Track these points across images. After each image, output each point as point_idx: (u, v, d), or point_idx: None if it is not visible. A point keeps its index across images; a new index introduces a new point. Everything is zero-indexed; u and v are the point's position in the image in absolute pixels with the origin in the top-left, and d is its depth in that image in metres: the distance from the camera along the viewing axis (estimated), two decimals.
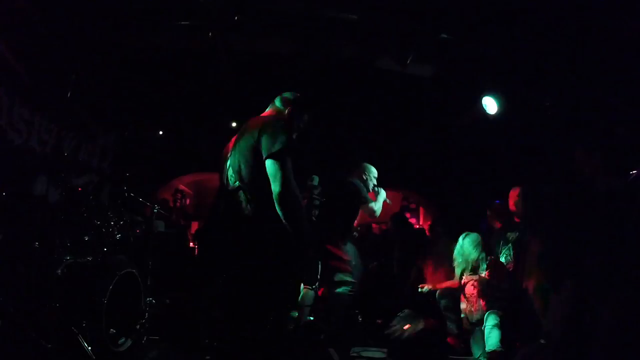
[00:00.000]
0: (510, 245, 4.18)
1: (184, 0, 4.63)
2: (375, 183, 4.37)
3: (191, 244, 7.64)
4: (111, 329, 3.55)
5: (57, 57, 5.02)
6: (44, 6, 4.48)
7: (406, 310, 4.59)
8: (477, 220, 5.46)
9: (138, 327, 4.01)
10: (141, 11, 4.71)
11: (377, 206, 4.21)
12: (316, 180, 4.76)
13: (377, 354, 4.36)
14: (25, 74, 4.77)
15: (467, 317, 4.41)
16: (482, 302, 4.25)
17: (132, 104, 6.94)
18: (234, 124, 7.37)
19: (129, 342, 3.82)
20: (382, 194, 4.31)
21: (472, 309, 4.32)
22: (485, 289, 4.20)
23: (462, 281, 4.50)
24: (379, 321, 5.43)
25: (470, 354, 4.37)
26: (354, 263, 5.97)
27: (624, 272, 2.50)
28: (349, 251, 6.35)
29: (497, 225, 4.77)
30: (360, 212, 4.23)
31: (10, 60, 4.53)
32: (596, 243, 2.63)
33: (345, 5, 4.55)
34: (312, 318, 4.61)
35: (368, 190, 4.28)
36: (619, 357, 2.46)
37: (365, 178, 4.31)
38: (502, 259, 4.20)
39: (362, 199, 4.12)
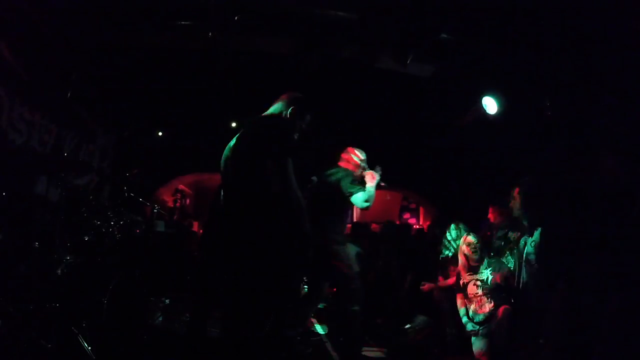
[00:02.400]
0: (515, 249, 4.14)
1: (184, 0, 4.63)
2: (365, 165, 4.02)
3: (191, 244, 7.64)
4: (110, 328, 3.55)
5: (57, 57, 5.02)
6: (44, 6, 4.49)
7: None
8: (478, 220, 5.46)
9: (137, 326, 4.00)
10: (141, 11, 4.71)
11: (369, 195, 3.72)
12: (315, 181, 4.72)
13: (377, 354, 4.35)
14: (25, 74, 4.78)
15: (469, 317, 4.38)
16: (486, 301, 4.23)
17: (132, 104, 6.94)
18: (234, 124, 7.38)
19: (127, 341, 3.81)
20: (377, 177, 3.88)
21: (477, 309, 4.31)
22: (494, 290, 4.18)
23: (461, 281, 4.49)
24: (379, 321, 5.44)
25: (468, 354, 4.36)
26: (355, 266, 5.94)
27: (624, 272, 2.50)
28: (351, 252, 6.34)
29: (497, 222, 4.80)
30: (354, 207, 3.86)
31: (10, 60, 4.53)
32: (595, 243, 2.63)
33: (345, 5, 4.55)
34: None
35: (356, 174, 3.91)
36: (619, 358, 2.47)
37: (357, 162, 3.98)
38: (511, 265, 4.19)
39: (344, 187, 3.71)
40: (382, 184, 3.96)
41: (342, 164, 4.08)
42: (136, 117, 7.40)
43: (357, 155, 4.09)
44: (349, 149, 4.15)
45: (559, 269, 2.89)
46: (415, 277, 5.53)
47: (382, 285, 6.08)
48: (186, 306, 5.13)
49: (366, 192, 3.72)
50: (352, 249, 6.33)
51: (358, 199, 3.69)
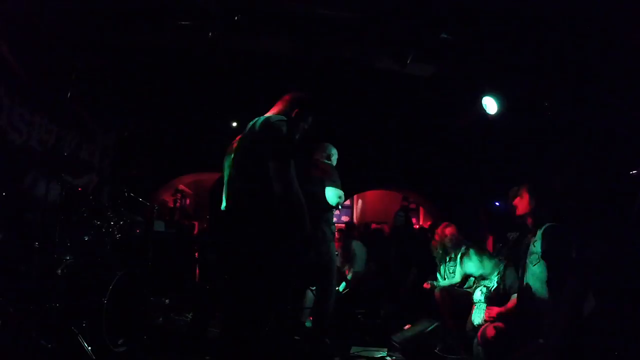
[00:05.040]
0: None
1: (184, 0, 4.63)
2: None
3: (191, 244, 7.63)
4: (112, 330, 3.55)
5: (57, 57, 5.01)
6: (44, 6, 4.48)
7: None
8: (477, 220, 5.46)
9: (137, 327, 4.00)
10: (141, 11, 4.71)
11: (341, 192, 3.82)
12: None
13: (377, 354, 4.35)
14: (25, 74, 4.77)
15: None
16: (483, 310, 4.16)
17: (132, 104, 6.94)
18: (234, 124, 7.38)
19: (128, 343, 3.81)
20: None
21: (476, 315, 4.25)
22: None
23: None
24: (379, 321, 5.44)
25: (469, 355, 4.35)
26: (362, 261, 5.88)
27: (627, 272, 2.50)
28: (357, 249, 6.34)
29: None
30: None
31: (10, 60, 4.53)
32: (598, 242, 2.63)
33: (345, 6, 4.54)
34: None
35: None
36: (619, 357, 2.46)
37: (331, 159, 4.04)
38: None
39: (333, 183, 3.75)
40: None
41: (322, 163, 4.02)
42: (136, 117, 7.39)
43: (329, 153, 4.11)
44: (325, 144, 4.16)
45: (563, 269, 2.89)
46: (416, 276, 5.54)
47: (382, 284, 6.09)
48: (186, 306, 5.14)
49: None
50: (357, 247, 6.36)
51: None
